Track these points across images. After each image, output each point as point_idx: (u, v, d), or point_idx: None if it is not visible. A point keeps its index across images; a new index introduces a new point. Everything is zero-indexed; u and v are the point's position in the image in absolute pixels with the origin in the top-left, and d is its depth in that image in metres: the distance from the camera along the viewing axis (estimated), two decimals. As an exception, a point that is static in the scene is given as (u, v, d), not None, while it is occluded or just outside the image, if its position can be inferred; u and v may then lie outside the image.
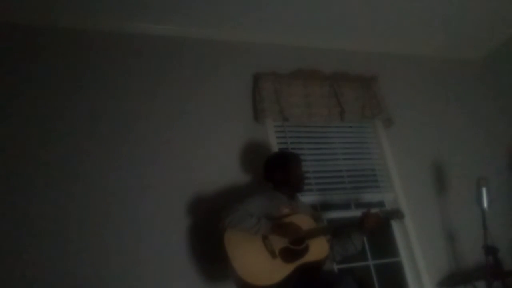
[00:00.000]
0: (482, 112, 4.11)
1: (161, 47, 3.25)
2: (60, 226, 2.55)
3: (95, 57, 3.05)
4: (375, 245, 3.24)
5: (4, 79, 2.78)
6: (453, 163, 3.69)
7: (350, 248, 2.61)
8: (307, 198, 3.00)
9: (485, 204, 2.88)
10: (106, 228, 2.62)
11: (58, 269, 2.46)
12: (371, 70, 3.76)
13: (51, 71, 2.91)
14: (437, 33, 3.94)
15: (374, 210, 2.56)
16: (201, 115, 3.14)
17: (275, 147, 3.20)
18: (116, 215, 2.67)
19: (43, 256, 2.46)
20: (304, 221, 2.46)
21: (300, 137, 3.37)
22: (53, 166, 2.68)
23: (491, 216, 2.92)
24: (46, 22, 2.99)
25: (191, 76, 3.24)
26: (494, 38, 4.16)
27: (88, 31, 3.09)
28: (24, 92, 2.80)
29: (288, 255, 2.35)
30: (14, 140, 2.67)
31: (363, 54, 3.85)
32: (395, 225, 3.35)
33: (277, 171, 2.70)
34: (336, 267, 2.85)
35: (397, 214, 2.65)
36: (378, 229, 2.57)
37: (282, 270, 2.30)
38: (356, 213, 3.16)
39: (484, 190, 2.89)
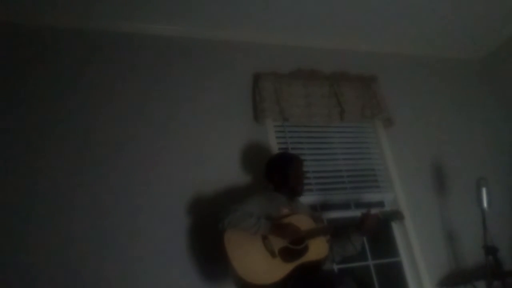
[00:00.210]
0: (482, 112, 4.11)
1: (161, 47, 3.25)
2: (60, 226, 2.55)
3: (95, 57, 3.05)
4: (375, 245, 3.24)
5: (4, 79, 2.78)
6: (453, 163, 3.68)
7: (350, 248, 2.61)
8: (307, 198, 2.99)
9: (485, 204, 2.88)
10: (106, 228, 2.62)
11: (58, 269, 2.46)
12: (371, 70, 3.76)
13: (51, 71, 2.91)
14: (437, 33, 3.94)
15: (373, 211, 2.55)
16: (201, 115, 3.14)
17: (275, 147, 3.20)
18: (116, 214, 2.67)
19: (43, 256, 2.46)
20: (303, 222, 2.46)
21: (300, 137, 3.37)
22: (53, 166, 2.67)
23: (491, 216, 2.92)
24: (46, 22, 2.99)
25: (191, 76, 3.24)
26: (494, 38, 4.16)
27: (88, 31, 3.09)
28: (24, 92, 2.80)
29: (287, 254, 2.35)
30: (14, 140, 2.67)
31: (363, 54, 3.85)
32: (395, 225, 3.36)
33: (277, 172, 2.71)
34: (336, 267, 2.85)
35: (397, 215, 2.65)
36: (377, 230, 2.57)
37: (281, 269, 2.30)
38: (356, 213, 3.15)
39: (484, 190, 2.89)
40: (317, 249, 2.40)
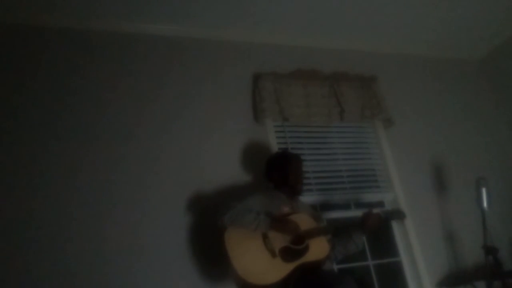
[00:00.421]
0: (482, 112, 4.12)
1: (161, 47, 3.25)
2: (60, 226, 2.55)
3: (95, 57, 3.05)
4: (375, 245, 3.24)
5: (4, 79, 2.78)
6: (453, 163, 3.69)
7: (352, 247, 2.62)
8: (307, 198, 3.00)
9: (485, 204, 2.88)
10: (106, 227, 2.62)
11: (58, 268, 2.46)
12: (371, 70, 3.76)
13: (51, 71, 2.91)
14: (437, 33, 3.94)
15: (375, 210, 2.55)
16: (201, 115, 3.13)
17: (275, 147, 3.20)
18: (116, 214, 2.67)
19: (43, 256, 2.46)
20: (304, 221, 2.46)
21: (300, 137, 3.37)
22: (53, 165, 2.68)
23: (491, 216, 2.92)
24: (46, 22, 2.99)
25: (191, 76, 3.24)
26: (494, 38, 4.16)
27: (88, 31, 3.09)
28: (24, 92, 2.80)
29: (288, 254, 2.34)
30: (14, 140, 2.67)
31: (363, 54, 3.85)
32: (395, 225, 3.36)
33: (276, 171, 2.71)
34: (336, 267, 2.85)
35: (398, 214, 2.65)
36: (379, 229, 2.57)
37: (281, 269, 2.30)
38: (355, 213, 3.18)
39: (484, 190, 2.89)
40: (317, 249, 2.40)
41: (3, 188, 2.54)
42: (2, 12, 2.88)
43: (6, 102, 2.74)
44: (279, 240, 2.37)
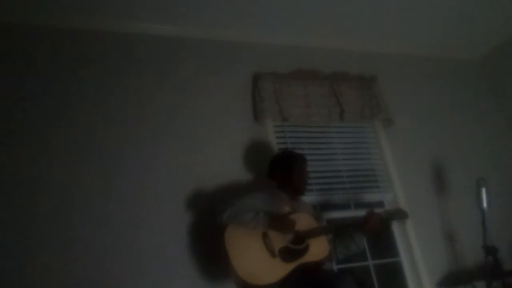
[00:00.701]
0: (482, 112, 4.12)
1: (161, 47, 3.25)
2: (60, 225, 2.55)
3: (95, 57, 3.05)
4: (375, 245, 3.23)
5: (4, 79, 2.78)
6: (453, 163, 3.69)
7: (353, 247, 2.62)
8: (307, 198, 2.98)
9: (485, 204, 2.88)
10: (106, 227, 2.63)
11: (57, 268, 2.46)
12: (371, 70, 3.76)
13: (51, 71, 2.90)
14: (437, 33, 3.94)
15: (377, 211, 2.54)
16: (201, 115, 3.13)
17: (274, 147, 3.20)
18: (116, 214, 2.67)
19: (43, 256, 2.46)
20: (304, 220, 2.46)
21: (300, 137, 3.37)
22: (53, 166, 2.67)
23: (491, 216, 2.92)
24: (46, 22, 2.99)
25: (191, 76, 3.24)
26: (494, 38, 4.16)
27: (88, 31, 3.09)
28: (24, 92, 2.80)
29: (287, 254, 2.34)
30: (14, 140, 2.67)
31: (363, 54, 3.85)
32: (395, 225, 3.36)
33: (280, 171, 2.70)
34: (336, 267, 2.84)
35: (400, 214, 2.64)
36: (380, 230, 2.56)
37: (281, 269, 2.30)
38: (356, 213, 3.18)
39: (483, 190, 2.90)
40: (317, 249, 2.40)
41: (3, 189, 2.53)
42: (2, 12, 2.87)
43: (6, 102, 2.73)
44: (279, 240, 2.37)
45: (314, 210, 2.86)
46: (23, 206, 2.54)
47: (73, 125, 2.82)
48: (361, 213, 2.58)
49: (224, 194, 2.87)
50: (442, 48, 4.15)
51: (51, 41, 2.99)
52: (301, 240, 2.39)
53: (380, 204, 3.41)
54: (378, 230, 2.52)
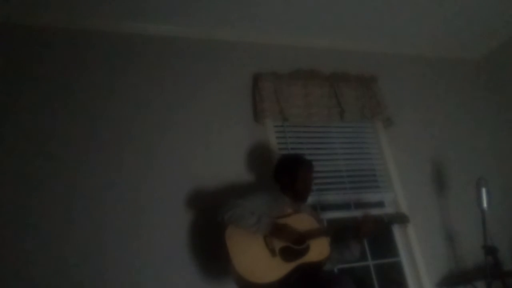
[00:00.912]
0: (482, 112, 4.12)
1: (161, 47, 3.25)
2: (59, 225, 2.55)
3: (95, 57, 3.05)
4: (375, 245, 3.24)
5: (4, 79, 2.78)
6: (453, 163, 3.69)
7: (348, 255, 2.59)
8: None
9: (485, 204, 2.88)
10: (106, 226, 2.63)
11: (57, 268, 2.46)
12: (371, 70, 3.76)
13: (51, 71, 2.90)
14: (437, 33, 3.94)
15: (373, 213, 2.53)
16: (201, 115, 3.13)
17: (275, 147, 3.20)
18: (116, 213, 2.67)
19: (43, 255, 2.46)
20: (305, 221, 2.46)
21: (300, 137, 3.37)
22: (53, 165, 2.67)
23: (491, 216, 2.92)
24: (46, 22, 2.99)
25: (191, 76, 3.23)
26: (494, 38, 4.16)
27: (88, 31, 3.09)
28: (24, 92, 2.80)
29: (288, 254, 2.34)
30: (14, 140, 2.67)
31: (363, 54, 3.85)
32: (395, 226, 3.36)
33: (285, 174, 2.67)
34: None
35: (401, 218, 2.64)
36: (378, 232, 2.55)
37: (280, 269, 2.30)
38: (356, 213, 3.18)
39: (484, 190, 2.90)
40: (318, 250, 2.40)
41: (3, 189, 2.53)
42: (2, 12, 2.87)
43: (6, 102, 2.73)
44: (281, 239, 2.37)
45: (315, 213, 2.85)
46: (22, 207, 2.53)
47: (73, 124, 2.81)
48: (361, 213, 2.57)
49: (224, 194, 2.87)
50: (442, 48, 4.15)
51: (51, 41, 2.99)
52: (302, 240, 2.39)
53: (380, 204, 3.41)
54: (374, 233, 2.53)
